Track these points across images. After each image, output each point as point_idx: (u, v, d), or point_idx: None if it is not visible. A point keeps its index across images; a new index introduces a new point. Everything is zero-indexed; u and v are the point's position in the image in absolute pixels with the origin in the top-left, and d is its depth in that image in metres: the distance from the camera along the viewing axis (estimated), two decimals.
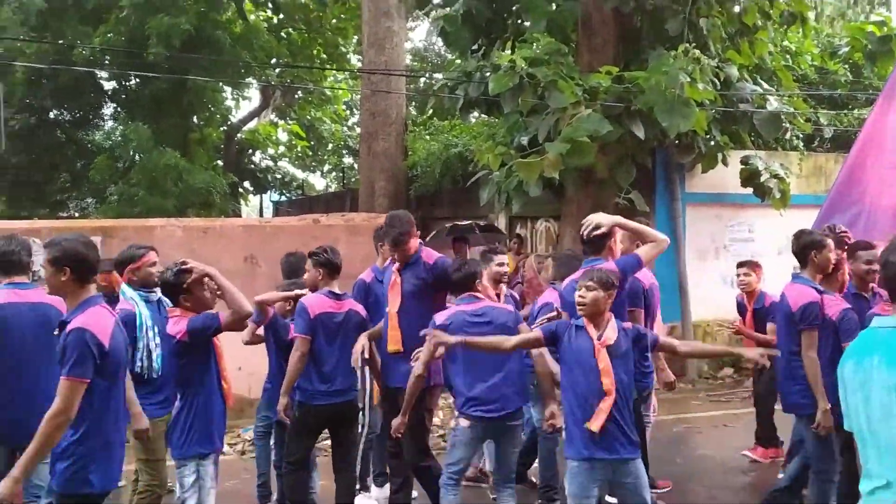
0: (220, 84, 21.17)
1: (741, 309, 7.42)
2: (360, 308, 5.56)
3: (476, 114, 14.24)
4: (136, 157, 18.78)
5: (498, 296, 6.02)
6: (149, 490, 5.00)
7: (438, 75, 15.13)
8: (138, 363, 4.96)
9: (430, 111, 16.87)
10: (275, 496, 5.89)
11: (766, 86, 11.08)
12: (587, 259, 5.11)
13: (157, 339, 5.02)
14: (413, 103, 19.56)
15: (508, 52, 10.38)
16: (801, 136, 12.37)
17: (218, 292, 4.61)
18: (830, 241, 5.30)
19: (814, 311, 5.05)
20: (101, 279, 5.89)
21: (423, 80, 20.23)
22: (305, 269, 5.71)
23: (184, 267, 4.57)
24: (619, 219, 5.16)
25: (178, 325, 4.53)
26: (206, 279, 4.55)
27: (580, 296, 4.30)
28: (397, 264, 5.44)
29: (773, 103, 10.56)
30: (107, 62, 20.06)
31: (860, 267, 5.43)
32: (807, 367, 5.03)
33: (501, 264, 6.25)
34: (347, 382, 5.41)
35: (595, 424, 4.11)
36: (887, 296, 2.92)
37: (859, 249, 5.52)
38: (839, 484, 5.30)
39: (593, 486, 4.24)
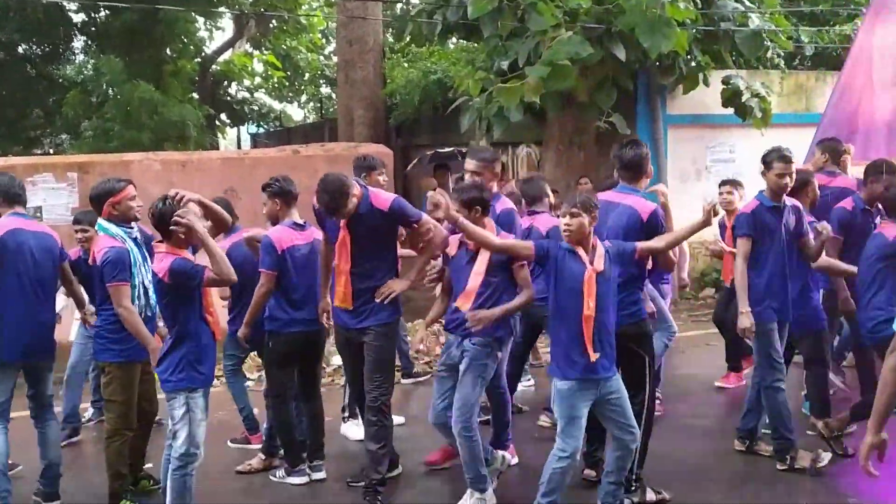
0: (193, 14, 20.71)
1: (722, 228, 7.45)
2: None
3: (455, 39, 14.04)
4: (110, 91, 18.45)
5: None
6: (117, 434, 5.03)
7: (416, 0, 14.86)
8: (135, 301, 4.88)
9: (408, 37, 16.55)
10: (265, 425, 5.95)
11: (747, 3, 10.93)
12: (622, 185, 5.01)
13: (150, 276, 4.93)
14: (390, 30, 19.20)
15: None
16: (781, 54, 12.28)
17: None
18: (775, 162, 5.25)
19: (744, 220, 5.23)
20: None
21: (400, 5, 19.80)
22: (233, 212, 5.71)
23: (177, 197, 4.49)
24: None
25: (162, 262, 4.47)
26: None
27: (566, 224, 4.27)
28: (343, 220, 4.91)
29: (754, 21, 10.45)
30: None
31: (877, 189, 5.72)
32: (736, 272, 5.23)
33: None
34: (315, 312, 5.42)
35: (591, 353, 4.20)
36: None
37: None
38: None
39: (582, 406, 4.30)
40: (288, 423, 5.55)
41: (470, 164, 5.32)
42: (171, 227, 4.41)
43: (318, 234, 5.45)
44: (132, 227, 5.05)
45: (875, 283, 5.10)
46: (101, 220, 5.01)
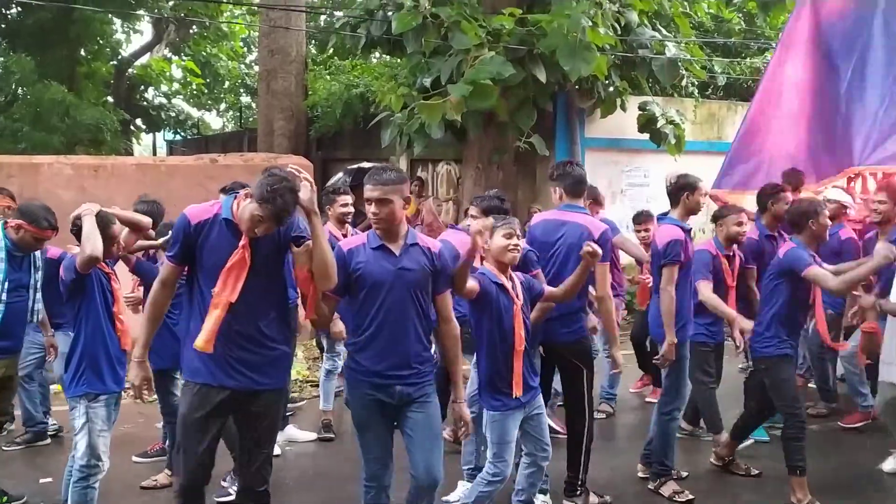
0: (110, 15, 20.23)
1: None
2: None
3: (378, 54, 14.06)
4: (19, 91, 17.88)
5: (344, 236, 5.93)
6: None
7: (340, 13, 14.81)
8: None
9: (332, 50, 16.51)
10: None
11: (664, 32, 11.26)
12: (566, 204, 5.05)
13: (4, 296, 4.90)
14: (313, 41, 19.12)
15: None
16: (696, 83, 12.67)
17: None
18: (702, 185, 5.45)
19: (676, 248, 5.18)
20: None
21: (323, 17, 19.74)
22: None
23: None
24: None
25: (63, 263, 4.59)
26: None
27: (514, 244, 4.25)
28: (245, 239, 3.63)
29: (670, 50, 10.75)
30: None
31: (780, 208, 5.98)
32: (662, 301, 5.19)
33: (345, 204, 6.21)
34: None
35: (517, 389, 4.22)
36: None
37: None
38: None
39: (513, 429, 4.31)
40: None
41: (373, 191, 3.78)
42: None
43: None
44: (19, 254, 4.99)
45: (769, 301, 5.28)
46: None
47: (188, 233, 3.63)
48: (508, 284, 4.26)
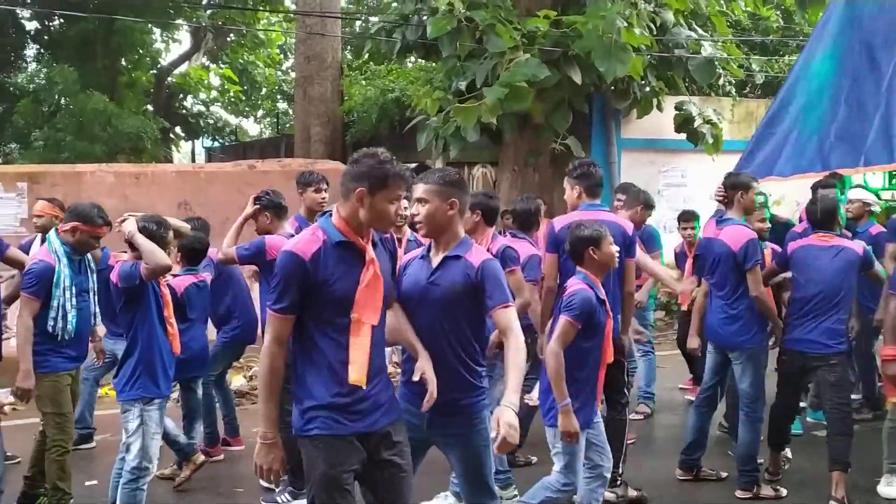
0: (149, 25, 20.53)
1: (681, 258, 7.58)
2: None
3: (413, 58, 14.12)
4: (62, 101, 18.19)
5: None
6: (56, 445, 4.92)
7: (375, 18, 14.90)
8: (50, 322, 4.83)
9: (367, 55, 16.62)
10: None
11: (700, 31, 11.19)
12: (589, 203, 5.14)
13: (74, 301, 4.93)
14: (349, 47, 19.24)
15: None
16: (733, 81, 12.56)
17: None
18: (755, 184, 5.54)
19: (757, 248, 5.27)
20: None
21: (359, 23, 19.87)
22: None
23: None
24: None
25: (115, 270, 4.65)
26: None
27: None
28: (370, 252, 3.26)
29: (707, 49, 10.68)
30: (28, 1, 19.28)
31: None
32: (762, 304, 5.27)
33: (319, 190, 5.87)
34: None
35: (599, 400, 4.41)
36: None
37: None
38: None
39: (583, 439, 4.28)
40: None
41: (415, 190, 3.69)
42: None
43: None
44: (79, 258, 5.04)
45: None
46: (52, 232, 5.02)
47: (306, 272, 3.03)
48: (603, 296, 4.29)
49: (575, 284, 4.25)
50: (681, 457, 5.67)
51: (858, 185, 7.35)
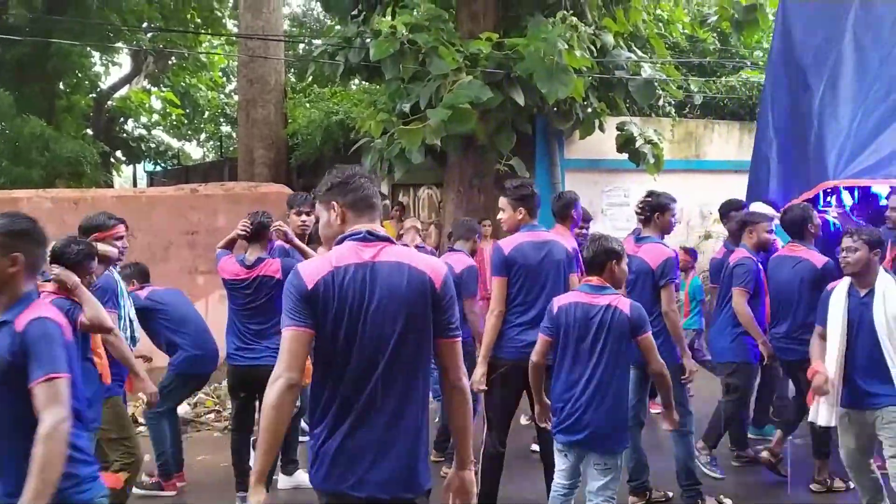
0: (88, 49, 20.23)
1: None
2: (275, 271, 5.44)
3: (357, 80, 14.11)
4: None
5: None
6: (125, 469, 4.83)
7: (318, 41, 14.87)
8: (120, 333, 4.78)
9: (310, 78, 16.57)
10: None
11: (640, 53, 11.38)
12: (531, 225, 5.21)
13: (133, 310, 4.97)
14: (292, 70, 19.18)
15: (389, 17, 10.29)
16: (673, 102, 12.79)
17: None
18: (673, 205, 5.67)
19: (674, 267, 5.42)
20: None
21: (302, 46, 19.83)
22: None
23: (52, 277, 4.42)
24: None
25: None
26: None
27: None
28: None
29: (647, 70, 10.86)
30: None
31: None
32: (670, 321, 5.37)
33: (299, 213, 5.90)
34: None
35: None
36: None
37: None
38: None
39: None
40: (241, 455, 5.66)
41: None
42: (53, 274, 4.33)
43: (269, 269, 5.44)
44: (115, 264, 5.06)
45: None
46: None
47: None
48: None
49: (622, 299, 4.41)
50: (629, 484, 5.63)
51: (758, 201, 7.55)
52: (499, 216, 5.32)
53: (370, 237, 2.95)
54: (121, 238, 4.99)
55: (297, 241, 5.47)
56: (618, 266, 4.40)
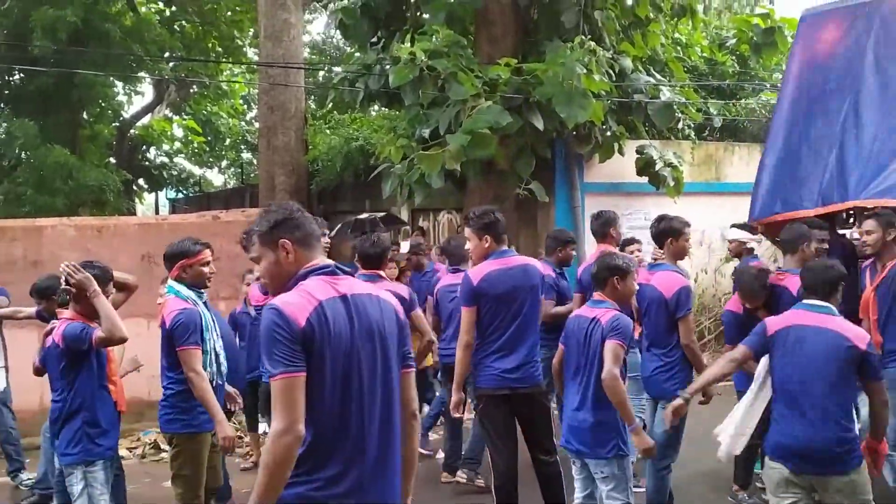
0: (111, 78, 20.50)
1: None
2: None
3: (377, 107, 14.20)
4: (23, 155, 18.04)
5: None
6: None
7: (338, 68, 14.99)
8: (206, 368, 4.61)
9: (330, 104, 16.69)
10: None
11: (658, 77, 11.39)
12: (501, 251, 5.24)
13: (220, 342, 4.77)
14: (312, 97, 19.33)
15: (408, 44, 10.37)
16: (692, 125, 12.77)
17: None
18: (687, 230, 5.56)
19: (689, 296, 5.28)
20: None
21: (322, 73, 20.00)
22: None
23: (64, 287, 4.42)
24: None
25: (59, 328, 4.41)
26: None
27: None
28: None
29: (665, 94, 10.86)
30: None
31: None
32: (690, 352, 5.27)
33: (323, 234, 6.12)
34: None
35: None
36: None
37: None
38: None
39: None
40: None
41: None
42: (64, 288, 4.35)
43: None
44: (203, 292, 4.84)
45: None
46: (170, 282, 4.81)
47: None
48: None
49: (609, 312, 4.42)
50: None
51: (734, 226, 7.64)
52: (465, 246, 5.37)
53: (338, 270, 2.89)
54: (207, 264, 4.82)
55: (101, 301, 4.67)
56: (621, 283, 4.50)
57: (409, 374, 3.00)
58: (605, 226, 6.06)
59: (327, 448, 2.74)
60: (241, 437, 8.30)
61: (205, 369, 4.58)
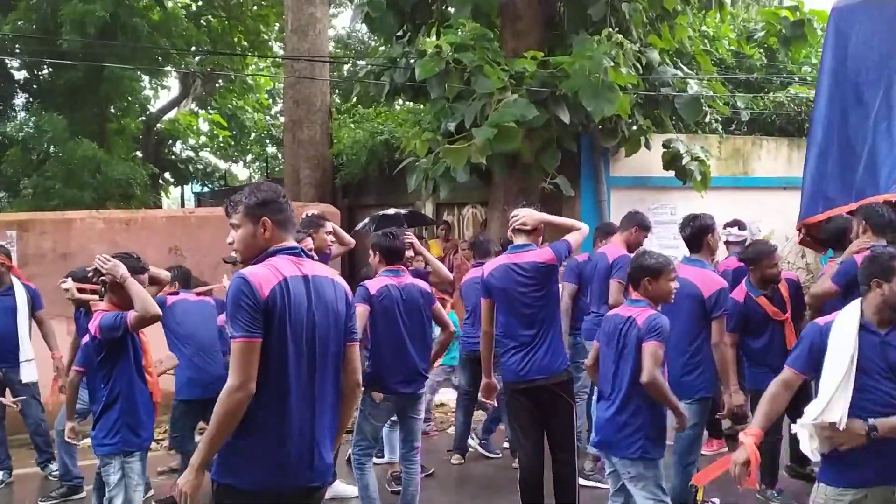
0: (138, 73, 20.65)
1: None
2: None
3: (402, 100, 14.19)
4: (51, 149, 18.21)
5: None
6: None
7: (363, 62, 15.00)
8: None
9: (355, 98, 16.72)
10: None
11: (686, 70, 11.29)
12: (515, 245, 5.25)
13: None
14: (337, 91, 19.36)
15: (434, 37, 10.35)
16: (719, 119, 12.65)
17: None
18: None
19: (727, 297, 5.33)
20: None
21: (347, 66, 20.03)
22: None
23: (90, 275, 4.49)
24: (544, 216, 5.45)
25: (94, 321, 4.46)
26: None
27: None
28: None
29: (693, 87, 10.76)
30: (17, 51, 19.37)
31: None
32: (722, 355, 5.28)
33: (329, 232, 6.32)
34: None
35: None
36: None
37: None
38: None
39: None
40: None
41: None
42: (100, 279, 4.42)
43: None
44: None
45: None
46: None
47: None
48: None
49: (646, 312, 4.40)
50: None
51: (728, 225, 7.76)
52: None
53: (302, 253, 3.23)
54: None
55: (131, 283, 4.60)
56: (653, 283, 4.44)
57: (353, 347, 3.33)
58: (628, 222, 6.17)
59: (276, 408, 3.05)
60: None
61: None
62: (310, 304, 3.12)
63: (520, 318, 5.03)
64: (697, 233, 5.47)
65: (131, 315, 4.38)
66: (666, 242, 10.87)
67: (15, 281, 7.07)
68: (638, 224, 6.64)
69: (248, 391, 2.95)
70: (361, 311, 4.97)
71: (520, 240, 5.23)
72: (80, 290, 5.13)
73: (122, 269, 4.43)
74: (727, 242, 7.50)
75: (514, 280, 5.05)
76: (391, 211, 11.52)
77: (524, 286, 5.03)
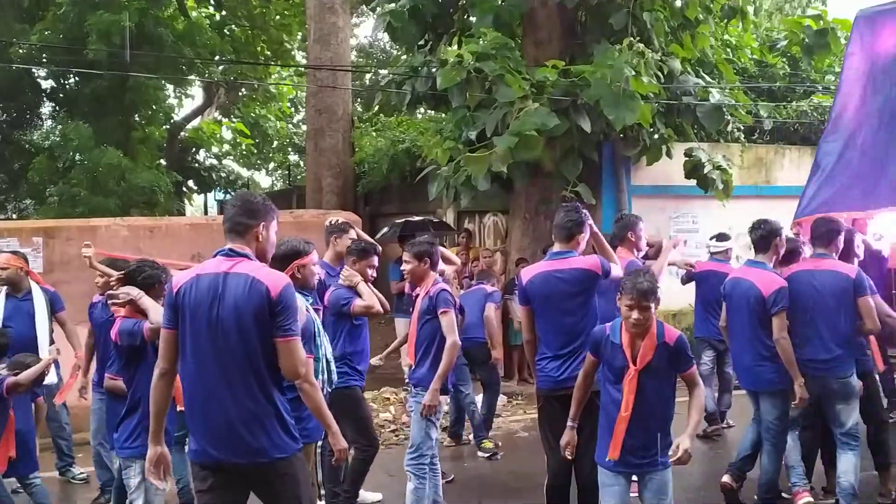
0: (163, 82, 20.84)
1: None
2: None
3: (423, 109, 14.27)
4: (77, 157, 18.38)
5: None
6: None
7: (384, 71, 15.09)
8: (317, 377, 4.33)
9: (377, 107, 16.81)
10: None
11: (708, 79, 11.27)
12: (555, 252, 5.16)
13: (331, 349, 4.61)
14: (359, 99, 19.46)
15: (455, 47, 10.39)
16: (742, 128, 12.62)
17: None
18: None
19: (785, 294, 5.46)
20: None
21: (369, 75, 20.14)
22: None
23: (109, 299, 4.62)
24: (598, 234, 5.37)
25: (115, 327, 4.54)
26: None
27: (635, 318, 4.06)
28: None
29: (715, 96, 10.74)
30: (44, 60, 19.61)
31: None
32: (782, 349, 5.41)
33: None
34: None
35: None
36: None
37: None
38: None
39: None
40: None
41: None
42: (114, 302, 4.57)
43: None
44: (307, 295, 4.65)
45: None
46: None
47: None
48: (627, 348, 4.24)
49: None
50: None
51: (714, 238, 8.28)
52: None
53: (232, 254, 3.59)
54: (315, 265, 4.70)
55: (145, 300, 4.67)
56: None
57: (286, 343, 3.51)
58: (623, 229, 6.05)
59: (189, 389, 3.58)
60: None
61: (316, 377, 4.30)
62: (212, 300, 3.49)
63: (559, 326, 5.00)
64: (767, 235, 5.69)
65: (146, 326, 4.43)
66: (687, 251, 10.83)
67: (33, 285, 7.13)
68: (628, 226, 6.48)
69: (162, 373, 3.62)
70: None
71: (560, 246, 5.16)
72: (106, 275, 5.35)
73: (134, 291, 4.52)
74: (710, 252, 8.12)
75: (554, 287, 5.01)
76: (415, 218, 11.58)
77: (565, 293, 5.00)
